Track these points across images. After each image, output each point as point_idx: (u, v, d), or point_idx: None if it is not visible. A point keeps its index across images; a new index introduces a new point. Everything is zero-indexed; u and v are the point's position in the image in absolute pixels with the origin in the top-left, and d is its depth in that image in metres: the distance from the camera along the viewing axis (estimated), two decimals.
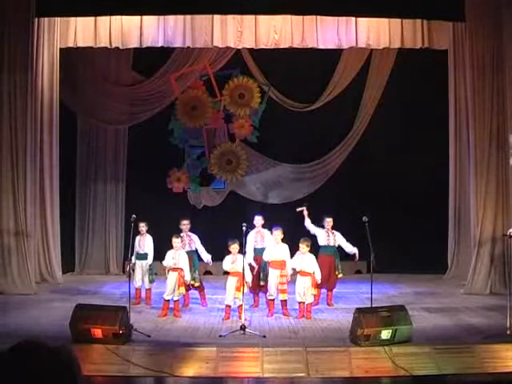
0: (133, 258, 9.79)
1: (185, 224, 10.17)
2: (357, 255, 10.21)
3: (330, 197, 13.23)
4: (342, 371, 7.03)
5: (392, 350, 7.19)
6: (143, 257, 10.11)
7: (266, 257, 9.55)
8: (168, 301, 9.25)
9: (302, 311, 9.15)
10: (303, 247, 9.27)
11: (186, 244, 10.04)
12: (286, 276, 9.33)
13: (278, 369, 7.05)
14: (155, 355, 7.13)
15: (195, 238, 10.20)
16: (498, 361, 7.18)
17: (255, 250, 9.96)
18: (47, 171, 12.04)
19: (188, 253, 9.84)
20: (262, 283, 9.60)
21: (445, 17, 11.52)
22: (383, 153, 13.25)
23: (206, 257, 10.12)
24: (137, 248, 10.04)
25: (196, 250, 10.17)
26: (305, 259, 9.24)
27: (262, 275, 9.62)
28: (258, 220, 10.18)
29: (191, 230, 10.25)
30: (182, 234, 10.01)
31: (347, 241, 10.25)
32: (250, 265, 9.50)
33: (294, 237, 9.69)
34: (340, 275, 10.12)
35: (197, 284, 9.90)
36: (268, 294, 9.44)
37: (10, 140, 10.90)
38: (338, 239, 10.22)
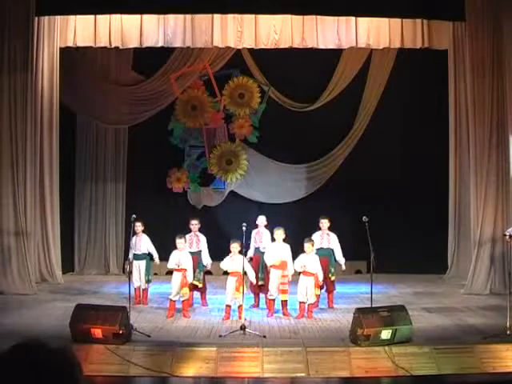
0: (130, 256, 9.69)
1: (194, 224, 10.11)
2: (343, 266, 10.11)
3: (330, 197, 13.23)
4: (342, 371, 7.03)
5: (392, 350, 7.19)
6: (139, 257, 10.04)
7: (266, 258, 9.53)
8: (175, 301, 9.21)
9: (303, 311, 9.14)
10: (308, 247, 9.25)
11: (194, 243, 9.99)
12: (288, 276, 9.31)
13: (278, 369, 7.05)
14: (155, 355, 7.13)
15: (203, 238, 10.11)
16: (498, 361, 7.18)
17: (254, 249, 10.05)
18: (47, 171, 12.03)
19: (194, 253, 9.79)
20: (260, 283, 9.61)
21: (445, 17, 11.53)
22: (383, 153, 13.26)
23: (207, 260, 10.01)
24: (133, 248, 9.95)
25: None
26: (309, 259, 9.23)
27: (260, 275, 9.63)
28: (262, 220, 10.19)
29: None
30: (190, 234, 9.99)
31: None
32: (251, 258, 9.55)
33: (295, 237, 9.68)
34: (332, 277, 9.94)
35: (200, 285, 9.84)
36: (268, 293, 9.43)
37: (10, 140, 10.89)
38: (333, 242, 10.07)
